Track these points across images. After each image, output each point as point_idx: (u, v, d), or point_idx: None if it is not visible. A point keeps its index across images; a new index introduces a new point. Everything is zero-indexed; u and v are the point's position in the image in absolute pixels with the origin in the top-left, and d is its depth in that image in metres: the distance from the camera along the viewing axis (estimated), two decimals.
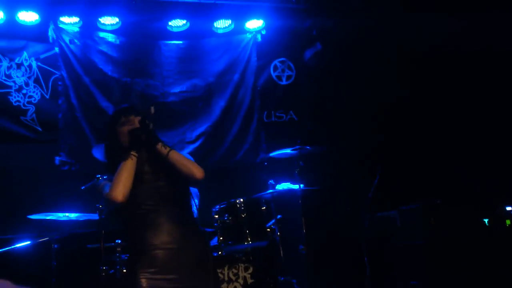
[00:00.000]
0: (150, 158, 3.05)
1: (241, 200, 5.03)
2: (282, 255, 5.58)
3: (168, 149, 3.01)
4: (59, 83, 6.29)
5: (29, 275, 5.11)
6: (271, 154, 5.80)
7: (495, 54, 5.90)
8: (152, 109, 2.96)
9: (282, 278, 5.63)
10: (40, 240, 5.18)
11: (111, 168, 3.02)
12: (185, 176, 3.00)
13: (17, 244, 5.09)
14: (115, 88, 6.44)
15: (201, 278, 2.84)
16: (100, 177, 4.78)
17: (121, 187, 2.84)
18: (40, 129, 6.14)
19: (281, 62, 7.17)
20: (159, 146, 3.00)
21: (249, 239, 4.88)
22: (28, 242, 5.13)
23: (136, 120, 2.99)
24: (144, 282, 2.72)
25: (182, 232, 2.92)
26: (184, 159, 3.04)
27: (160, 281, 2.74)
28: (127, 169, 2.90)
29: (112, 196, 2.83)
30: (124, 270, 4.82)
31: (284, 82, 7.15)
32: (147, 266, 2.77)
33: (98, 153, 5.23)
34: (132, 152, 2.94)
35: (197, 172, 3.00)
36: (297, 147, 5.48)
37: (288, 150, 5.57)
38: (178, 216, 2.96)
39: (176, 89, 6.69)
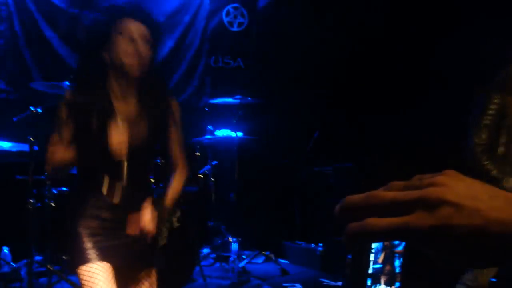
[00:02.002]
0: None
1: None
2: (213, 200, 5.68)
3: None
4: (3, 8, 6.09)
5: None
6: (212, 101, 5.81)
7: None
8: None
9: (212, 223, 5.74)
10: None
11: (81, 83, 2.39)
12: None
13: None
14: (62, 19, 6.29)
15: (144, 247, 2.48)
16: (34, 109, 4.76)
17: (57, 166, 2.34)
18: None
19: (234, 8, 7.07)
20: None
21: None
22: None
23: (142, 53, 2.30)
24: (83, 226, 2.38)
25: (132, 190, 2.46)
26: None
27: (100, 231, 2.40)
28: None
29: (46, 165, 2.31)
30: (53, 204, 4.84)
31: (235, 28, 7.07)
32: (88, 213, 2.41)
33: (38, 85, 5.19)
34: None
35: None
36: (238, 96, 5.49)
37: (229, 99, 5.58)
38: (135, 173, 2.46)
39: None
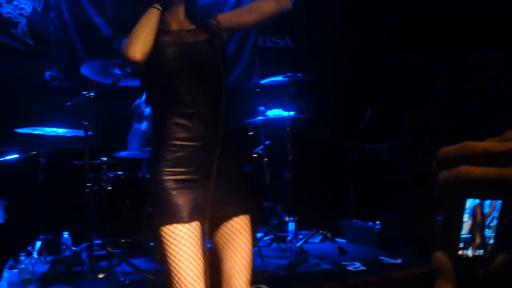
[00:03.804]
0: (189, 17, 2.48)
1: None
2: (268, 181, 5.63)
3: (217, 20, 2.43)
4: None
5: (16, 187, 5.18)
6: (262, 81, 5.73)
7: None
8: None
9: (267, 203, 5.70)
10: (28, 154, 5.22)
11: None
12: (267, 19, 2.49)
13: (5, 156, 5.13)
14: (109, 4, 6.30)
15: (232, 182, 2.37)
16: (87, 93, 4.78)
17: (139, 43, 2.24)
18: (31, 42, 6.04)
19: None
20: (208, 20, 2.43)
21: None
22: (16, 156, 5.17)
23: None
24: (169, 179, 2.27)
25: (218, 127, 2.30)
26: (247, 9, 2.53)
27: (186, 182, 2.28)
28: (147, 20, 2.29)
29: (127, 54, 2.22)
30: (109, 187, 4.88)
31: None
32: (172, 162, 2.29)
33: (87, 70, 5.19)
34: (155, 5, 2.33)
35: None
36: (289, 74, 5.41)
37: (279, 78, 5.50)
38: (215, 101, 2.34)
39: None
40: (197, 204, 2.27)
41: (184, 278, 2.17)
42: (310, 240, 5.68)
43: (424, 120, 5.73)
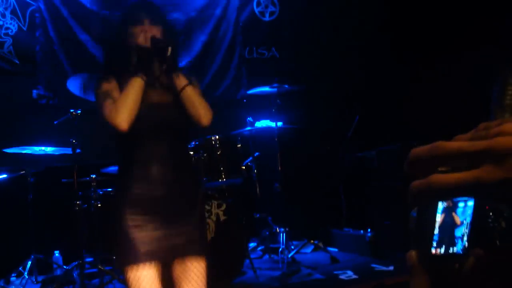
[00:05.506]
0: (159, 80, 2.62)
1: (217, 137, 4.99)
2: (258, 192, 5.62)
3: (185, 82, 2.58)
4: (37, 15, 6.13)
5: (5, 208, 5.16)
6: (249, 92, 5.74)
7: None
8: (169, 50, 2.51)
9: (258, 215, 5.70)
10: (17, 173, 5.20)
11: (108, 70, 2.63)
12: (189, 116, 2.59)
13: None
14: (94, 21, 6.31)
15: (189, 223, 2.57)
16: (74, 111, 4.78)
17: (126, 113, 2.42)
18: (17, 61, 6.02)
19: None
20: (176, 75, 2.60)
21: (223, 176, 4.89)
22: (5, 176, 5.15)
23: (151, 32, 2.55)
24: (129, 221, 2.46)
25: (177, 175, 2.58)
26: (196, 99, 2.58)
27: (146, 224, 2.47)
28: (134, 92, 2.46)
29: (115, 122, 2.40)
30: (99, 205, 4.87)
31: (267, 18, 7.00)
32: (133, 206, 2.49)
33: (73, 85, 5.18)
34: (141, 75, 2.51)
35: (204, 117, 2.59)
36: (275, 84, 5.42)
37: (266, 88, 5.51)
38: (176, 153, 2.60)
39: None
40: (156, 245, 2.47)
41: None
42: (302, 250, 5.67)
43: (412, 126, 5.75)
